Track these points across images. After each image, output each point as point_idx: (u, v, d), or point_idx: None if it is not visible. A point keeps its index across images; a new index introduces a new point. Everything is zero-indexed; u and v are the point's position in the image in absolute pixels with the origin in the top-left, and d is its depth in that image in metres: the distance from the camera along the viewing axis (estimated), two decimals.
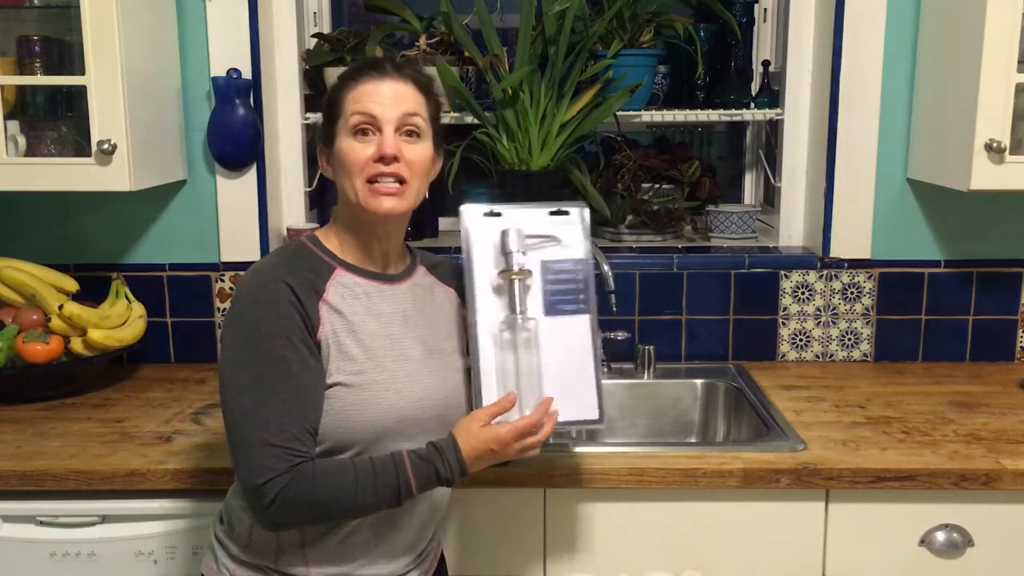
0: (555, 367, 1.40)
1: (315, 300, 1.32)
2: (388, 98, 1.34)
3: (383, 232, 1.39)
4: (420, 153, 1.36)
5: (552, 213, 1.44)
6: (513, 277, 1.40)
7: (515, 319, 1.39)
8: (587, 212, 1.46)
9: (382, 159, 1.32)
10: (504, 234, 1.41)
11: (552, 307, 1.42)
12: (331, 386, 1.31)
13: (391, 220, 1.37)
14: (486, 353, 1.39)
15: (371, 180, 1.33)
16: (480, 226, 1.42)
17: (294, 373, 1.27)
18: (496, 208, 1.43)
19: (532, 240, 1.42)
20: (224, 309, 2.21)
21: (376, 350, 1.35)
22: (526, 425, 1.34)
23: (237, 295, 1.33)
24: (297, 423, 1.27)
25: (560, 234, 1.44)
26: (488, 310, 1.40)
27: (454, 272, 1.50)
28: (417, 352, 1.39)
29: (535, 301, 1.41)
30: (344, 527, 1.35)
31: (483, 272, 1.41)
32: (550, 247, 1.43)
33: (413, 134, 1.35)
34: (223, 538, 1.41)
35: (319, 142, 1.42)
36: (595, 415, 1.42)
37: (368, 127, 1.33)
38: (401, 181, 1.33)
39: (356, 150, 1.33)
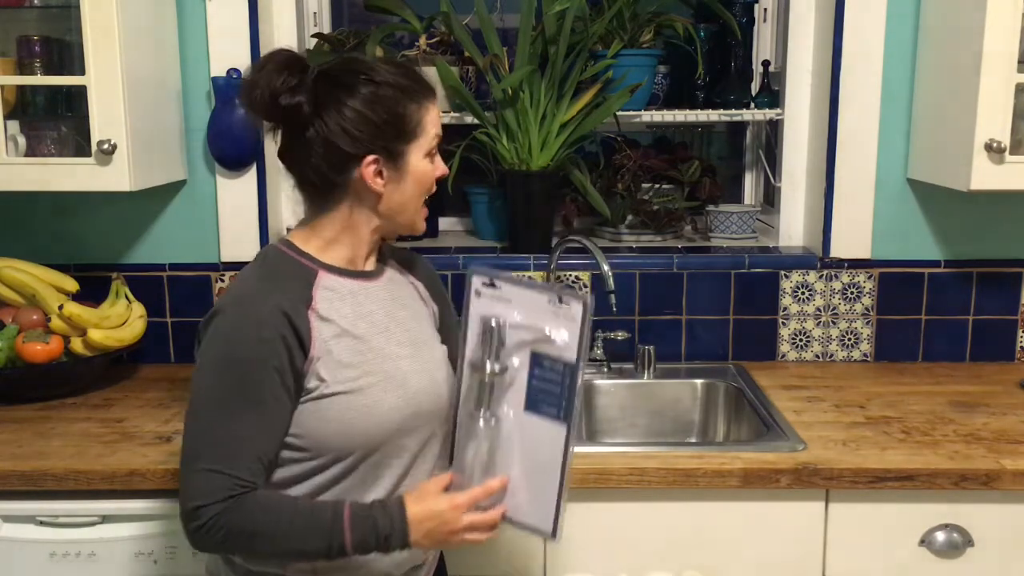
0: (523, 462, 1.32)
1: (304, 311, 1.28)
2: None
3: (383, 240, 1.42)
4: None
5: (553, 300, 1.28)
6: (485, 378, 1.32)
7: (479, 413, 1.33)
8: (590, 304, 1.26)
9: (436, 182, 1.39)
10: (486, 328, 1.32)
11: (533, 404, 1.31)
12: (331, 395, 1.29)
13: None
14: (460, 419, 1.36)
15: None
16: (478, 296, 1.34)
17: (261, 400, 1.24)
18: (497, 280, 1.32)
19: (524, 333, 1.31)
20: None
21: (368, 352, 1.34)
22: (481, 493, 1.31)
23: (220, 312, 1.28)
24: (251, 453, 1.24)
25: (556, 329, 1.29)
26: (468, 380, 1.35)
27: (419, 261, 1.52)
28: (405, 347, 1.39)
29: (518, 391, 1.31)
30: None
31: (471, 344, 1.34)
32: (543, 341, 1.30)
33: None
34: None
35: (369, 152, 1.30)
36: (548, 528, 1.32)
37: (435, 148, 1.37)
38: None
39: (431, 172, 1.36)
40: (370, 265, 1.41)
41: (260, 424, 1.25)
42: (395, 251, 1.51)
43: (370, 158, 1.31)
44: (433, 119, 1.36)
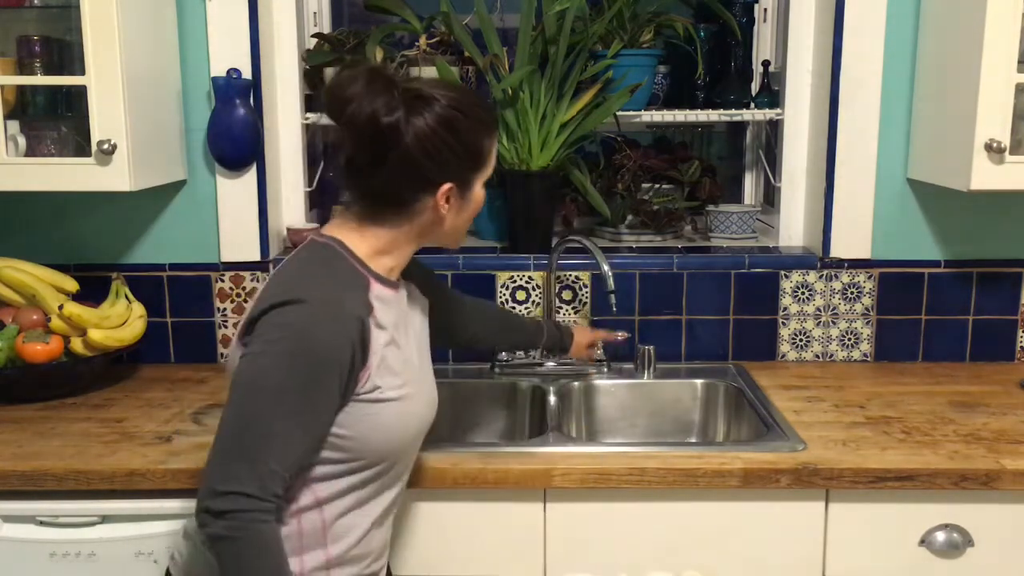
0: None
1: (367, 319, 1.29)
2: None
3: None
4: None
5: None
6: None
7: None
8: None
9: None
10: None
11: None
12: (385, 401, 1.31)
13: None
14: None
15: None
16: None
17: (315, 404, 1.24)
18: None
19: None
20: (224, 309, 2.21)
21: (405, 362, 1.37)
22: None
23: (294, 303, 1.24)
24: (295, 456, 1.24)
25: None
26: None
27: (413, 266, 1.51)
28: (417, 357, 1.44)
29: None
30: (362, 531, 1.37)
31: None
32: None
33: None
34: None
35: (447, 179, 1.33)
36: None
37: None
38: None
39: (483, 199, 1.43)
40: (395, 276, 1.43)
41: (310, 427, 1.24)
42: None
43: (447, 186, 1.33)
44: (495, 151, 1.42)
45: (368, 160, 1.30)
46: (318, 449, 1.28)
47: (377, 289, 1.34)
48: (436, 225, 1.37)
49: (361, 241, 1.36)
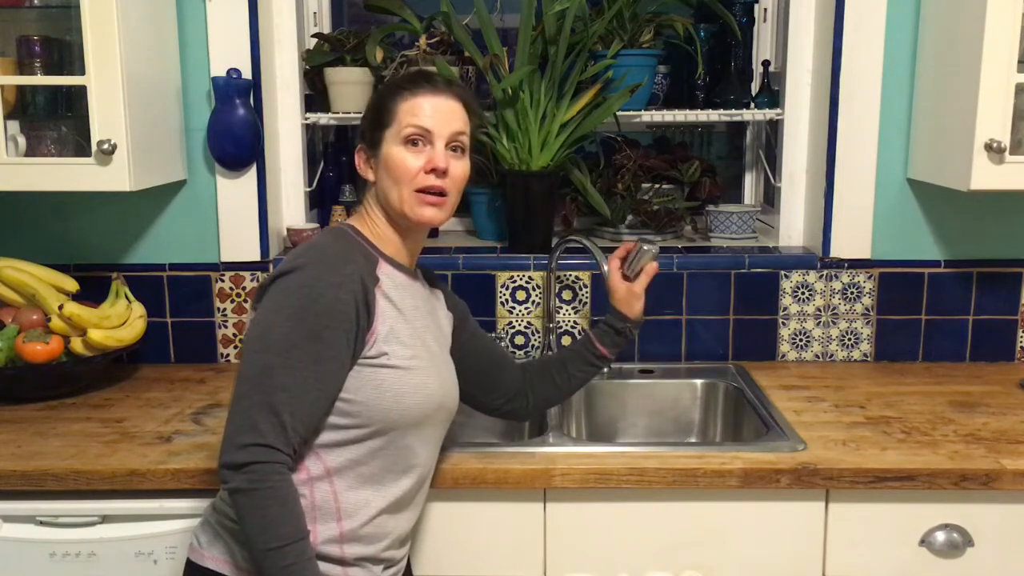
0: None
1: (373, 287, 1.37)
2: (442, 114, 1.41)
3: (415, 236, 1.48)
4: (463, 169, 1.44)
5: None
6: None
7: None
8: None
9: (433, 171, 1.39)
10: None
11: None
12: (392, 368, 1.36)
13: (427, 227, 1.45)
14: None
15: (419, 190, 1.40)
16: None
17: (325, 358, 1.30)
18: None
19: None
20: (224, 309, 2.21)
21: (418, 339, 1.42)
22: None
23: (301, 268, 1.33)
24: (306, 409, 1.29)
25: None
26: None
27: (437, 278, 1.63)
28: (435, 345, 1.48)
29: None
30: (374, 510, 1.39)
31: None
32: None
33: (458, 150, 1.43)
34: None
35: (360, 142, 1.46)
36: None
37: (420, 139, 1.40)
38: (443, 194, 1.41)
39: (407, 160, 1.40)
40: (412, 266, 1.51)
41: (320, 380, 1.30)
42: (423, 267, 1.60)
43: (359, 146, 1.46)
44: (410, 109, 1.40)
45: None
46: (329, 409, 1.33)
47: (386, 268, 1.42)
48: (374, 190, 1.45)
49: (367, 225, 1.46)
